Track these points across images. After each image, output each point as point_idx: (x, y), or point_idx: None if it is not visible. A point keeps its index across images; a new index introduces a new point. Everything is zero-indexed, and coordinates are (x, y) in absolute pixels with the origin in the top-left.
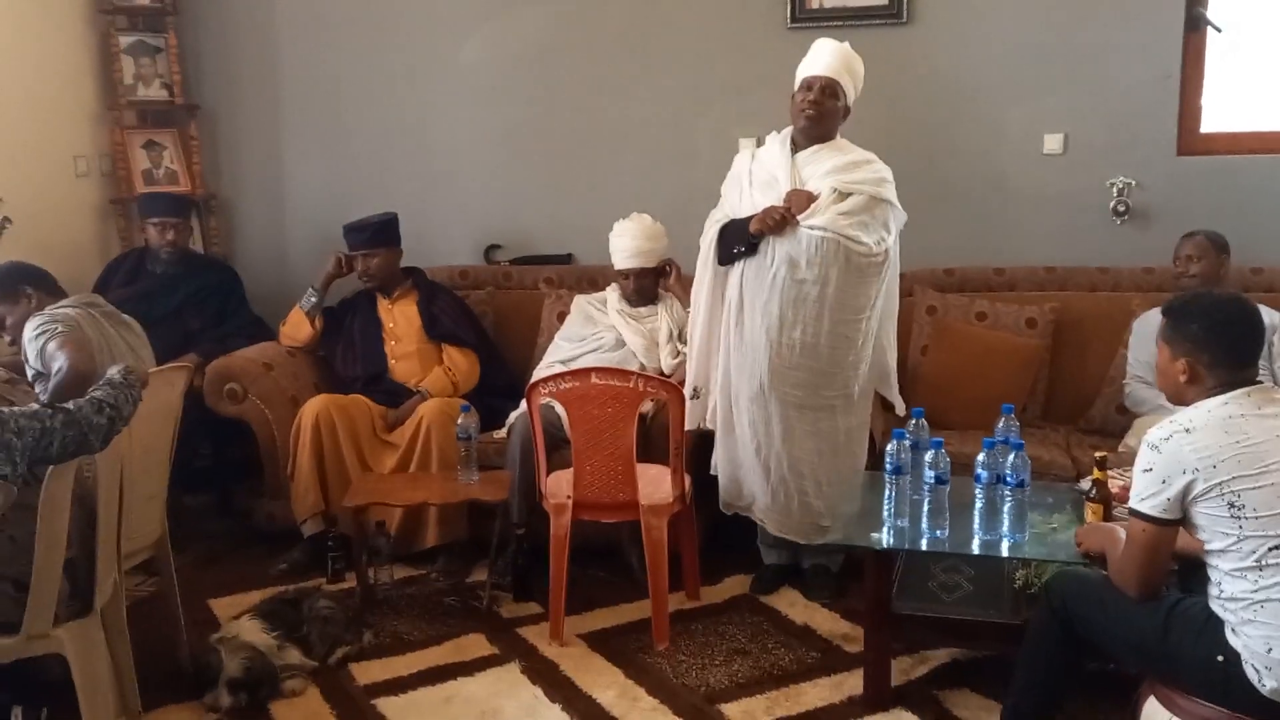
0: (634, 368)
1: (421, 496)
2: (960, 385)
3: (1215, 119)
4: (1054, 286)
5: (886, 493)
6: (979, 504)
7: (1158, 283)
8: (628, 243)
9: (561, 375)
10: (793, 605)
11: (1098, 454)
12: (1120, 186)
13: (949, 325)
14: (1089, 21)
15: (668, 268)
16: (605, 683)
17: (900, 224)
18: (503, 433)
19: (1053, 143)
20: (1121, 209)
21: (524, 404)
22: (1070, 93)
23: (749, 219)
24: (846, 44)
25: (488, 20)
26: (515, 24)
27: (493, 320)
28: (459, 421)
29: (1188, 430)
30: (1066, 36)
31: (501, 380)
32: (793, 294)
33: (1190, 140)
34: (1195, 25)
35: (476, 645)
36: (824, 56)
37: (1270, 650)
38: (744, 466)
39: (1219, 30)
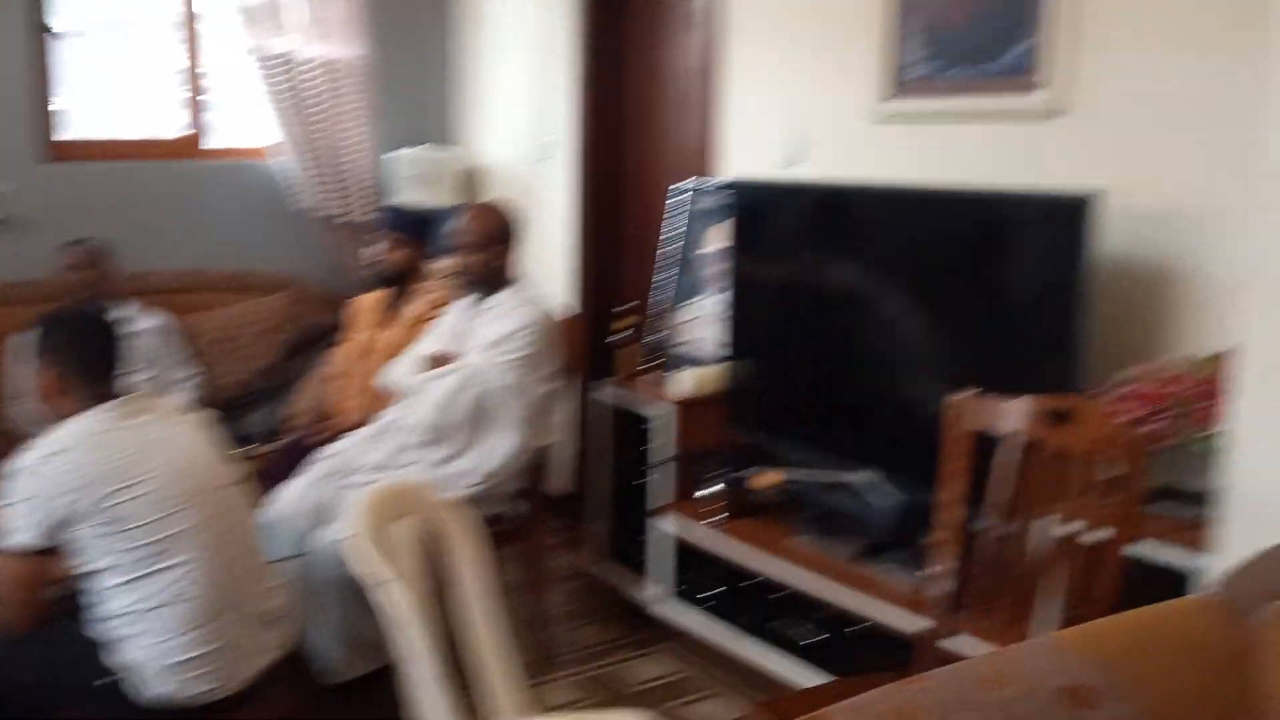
0: None
1: None
2: None
3: (86, 126)
4: None
5: None
6: None
7: (45, 295)
8: None
9: None
10: None
11: None
12: None
13: None
14: None
15: None
16: None
17: None
18: None
19: None
20: None
21: None
22: None
23: None
24: None
25: None
26: None
27: None
28: None
29: (60, 451)
30: None
31: None
32: None
33: (52, 148)
34: (41, 31)
35: None
36: None
37: (159, 658)
38: None
39: (58, 35)
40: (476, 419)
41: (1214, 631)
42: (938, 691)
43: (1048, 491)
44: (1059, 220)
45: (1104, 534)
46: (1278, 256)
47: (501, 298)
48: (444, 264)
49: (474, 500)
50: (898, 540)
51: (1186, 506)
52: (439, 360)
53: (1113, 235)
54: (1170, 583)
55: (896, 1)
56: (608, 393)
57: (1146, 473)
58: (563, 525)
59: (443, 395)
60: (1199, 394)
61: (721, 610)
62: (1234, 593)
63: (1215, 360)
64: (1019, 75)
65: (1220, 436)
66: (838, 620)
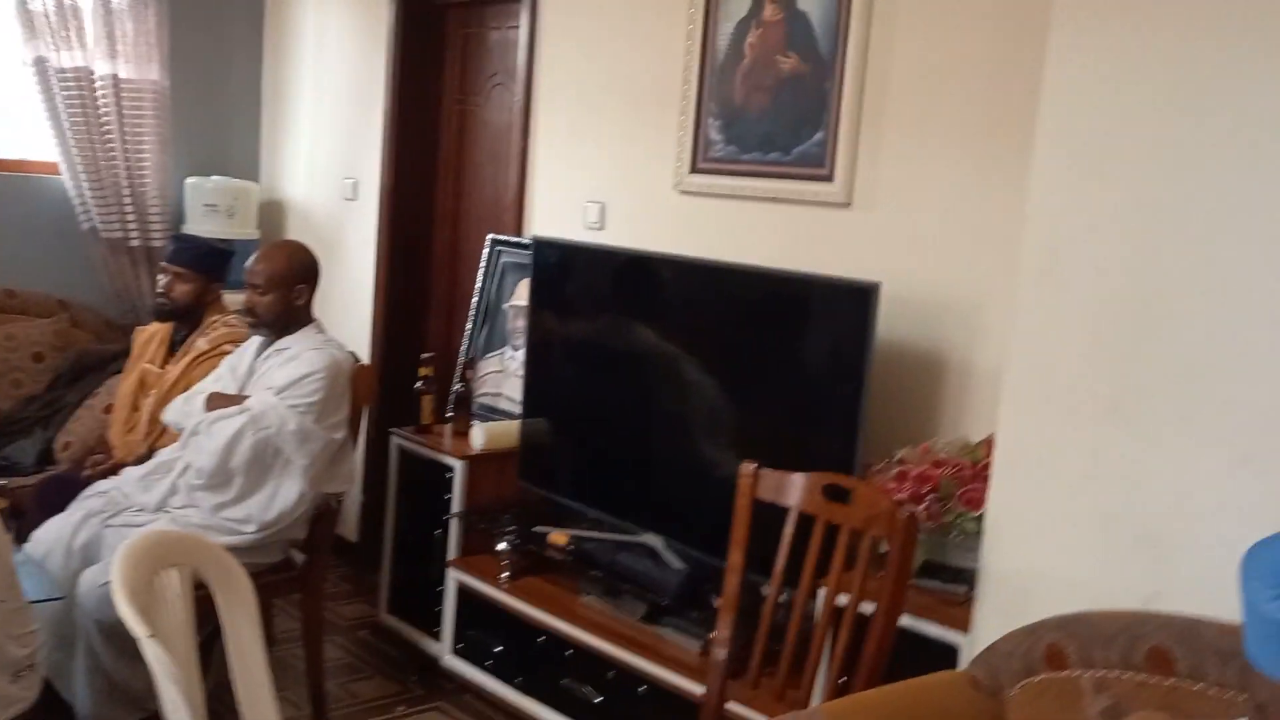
0: None
1: None
2: None
3: None
4: None
5: None
6: None
7: None
8: None
9: None
10: None
11: None
12: None
13: None
14: None
15: None
16: None
17: None
18: None
19: None
20: None
21: None
22: None
23: None
24: None
25: None
26: None
27: None
28: None
29: None
30: None
31: None
32: None
33: None
34: None
35: None
36: None
37: None
38: None
39: None
40: (258, 465)
41: (965, 706)
42: None
43: (824, 564)
44: (846, 304)
45: (872, 607)
46: (1030, 353)
47: (293, 340)
48: (238, 300)
49: (252, 548)
50: (685, 604)
51: (959, 583)
52: (223, 401)
53: (896, 321)
54: (944, 656)
55: (697, 83)
56: (406, 441)
57: (914, 550)
58: (352, 575)
59: (224, 438)
60: (968, 476)
61: (508, 667)
62: (986, 670)
63: (983, 445)
64: (812, 166)
65: (984, 519)
66: (626, 681)
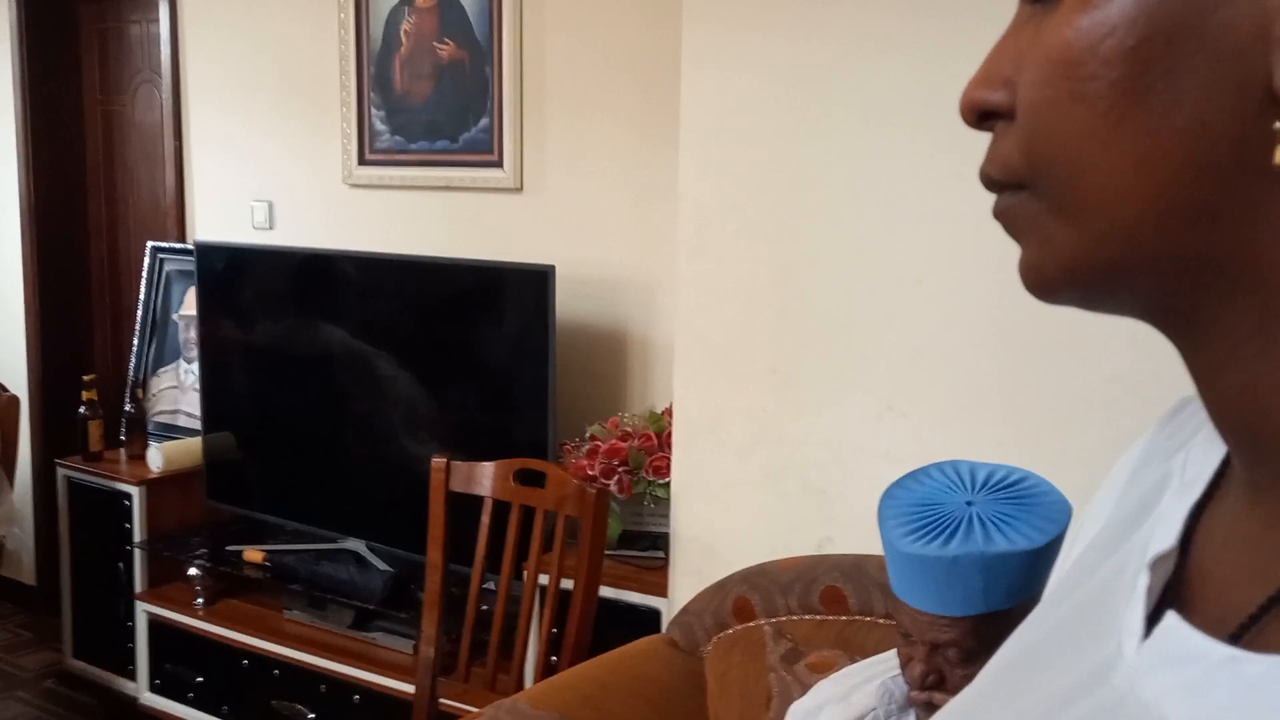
0: None
1: None
2: None
3: None
4: None
5: None
6: None
7: None
8: None
9: None
10: None
11: None
12: None
13: None
14: None
15: None
16: None
17: None
18: None
19: None
20: None
21: None
22: None
23: None
24: None
25: None
26: None
27: None
28: None
29: None
30: None
31: None
32: None
33: None
34: None
35: None
36: None
37: None
38: None
39: None
40: None
41: (664, 669)
42: None
43: (525, 550)
44: (525, 289)
45: (571, 584)
46: (694, 325)
47: None
48: None
49: None
50: (393, 605)
51: (657, 550)
52: None
53: (577, 302)
54: (649, 622)
55: (355, 73)
56: (74, 472)
57: (605, 524)
58: (32, 621)
59: None
60: (654, 446)
61: (212, 697)
62: (682, 631)
63: (667, 414)
64: (482, 153)
65: (671, 485)
66: (339, 692)
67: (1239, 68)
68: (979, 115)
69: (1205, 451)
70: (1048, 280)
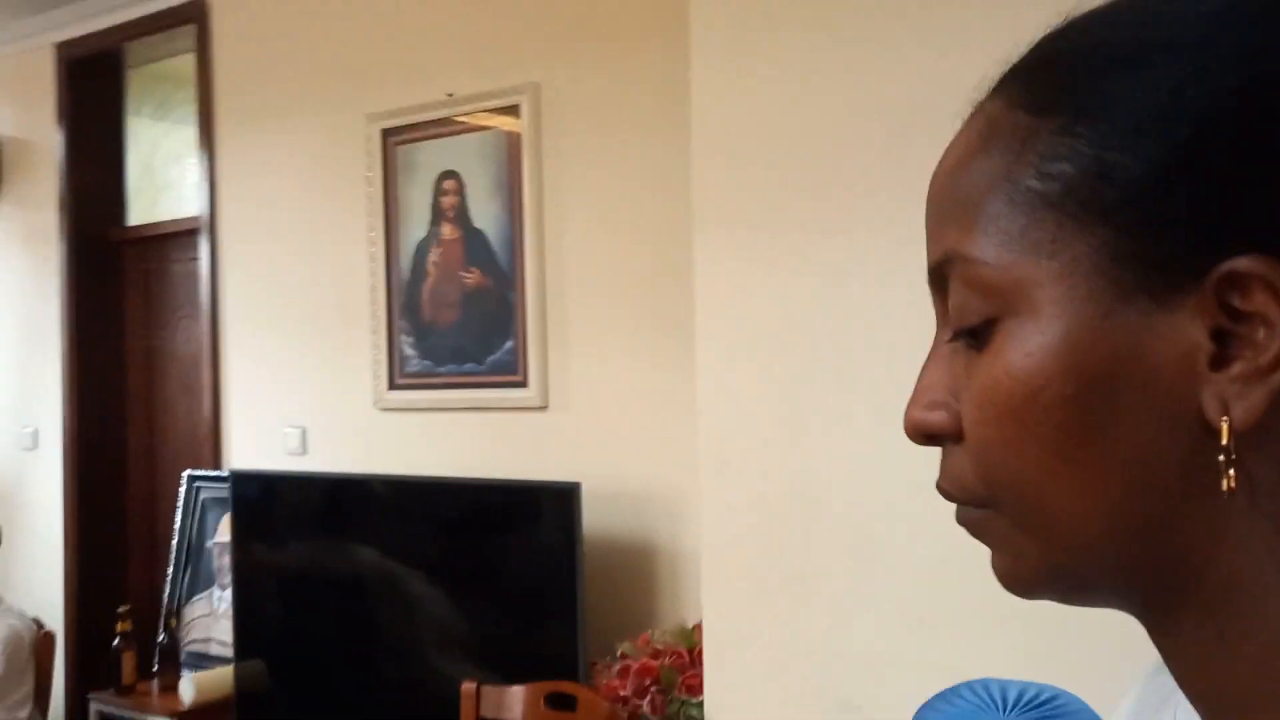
0: None
1: None
2: None
3: None
4: None
5: None
6: None
7: None
8: None
9: None
10: None
11: None
12: None
13: None
14: None
15: None
16: None
17: None
18: None
19: None
20: None
21: None
22: None
23: None
24: None
25: None
26: None
27: None
28: None
29: None
30: None
31: None
32: None
33: None
34: None
35: None
36: None
37: None
38: None
39: None
40: None
41: None
42: None
43: None
44: (551, 507)
45: None
46: (721, 539)
47: None
48: None
49: None
50: None
51: None
52: None
53: (603, 517)
54: None
55: (385, 303)
56: (106, 706)
57: None
58: None
59: None
60: (686, 663)
61: None
62: None
63: (697, 629)
64: (507, 373)
65: (704, 704)
66: None
67: (1173, 402)
68: (925, 436)
69: (1191, 713)
70: (1024, 584)
